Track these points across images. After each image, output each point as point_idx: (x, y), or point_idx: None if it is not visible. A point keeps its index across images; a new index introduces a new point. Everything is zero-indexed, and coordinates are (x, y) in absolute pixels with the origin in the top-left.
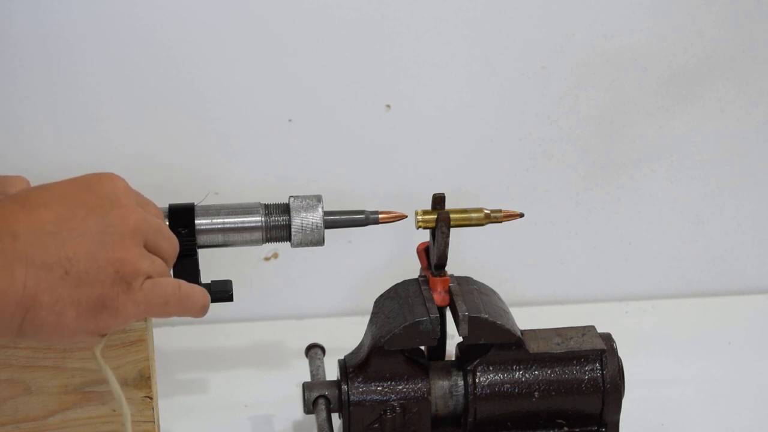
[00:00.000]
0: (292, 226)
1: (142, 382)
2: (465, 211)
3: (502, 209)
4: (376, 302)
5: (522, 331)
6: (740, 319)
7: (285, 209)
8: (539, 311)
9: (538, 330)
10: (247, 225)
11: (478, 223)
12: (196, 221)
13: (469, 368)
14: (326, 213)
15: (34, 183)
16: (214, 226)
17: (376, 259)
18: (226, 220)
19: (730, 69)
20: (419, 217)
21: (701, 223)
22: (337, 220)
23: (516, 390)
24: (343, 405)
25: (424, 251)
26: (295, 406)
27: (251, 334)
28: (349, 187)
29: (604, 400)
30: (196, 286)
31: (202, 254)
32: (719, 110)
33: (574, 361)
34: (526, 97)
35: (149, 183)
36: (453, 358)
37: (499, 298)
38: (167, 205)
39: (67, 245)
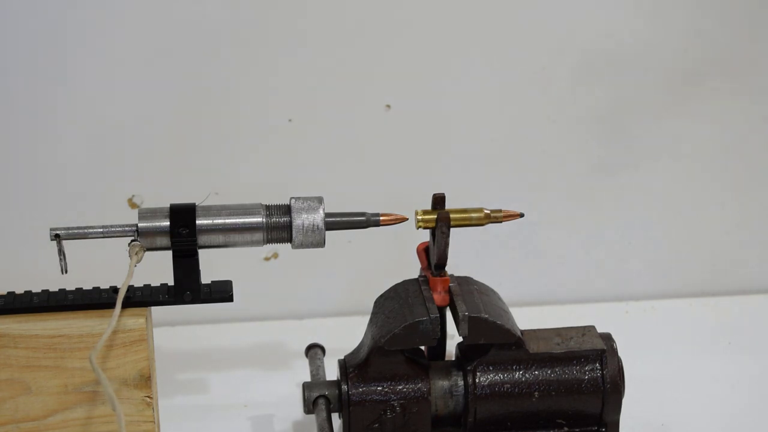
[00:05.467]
0: (293, 227)
1: (142, 382)
2: (465, 211)
3: (502, 209)
4: (376, 302)
5: (522, 331)
6: (740, 319)
7: (286, 210)
8: (539, 311)
9: (538, 330)
10: (248, 225)
11: (478, 223)
12: (197, 221)
13: (469, 368)
14: (327, 214)
15: (34, 185)
16: (215, 227)
17: (376, 259)
18: (227, 220)
19: (729, 69)
20: (419, 217)
21: (701, 223)
22: (338, 222)
23: (516, 390)
24: (343, 405)
25: (424, 251)
26: (295, 406)
27: (251, 334)
28: (348, 186)
29: (604, 400)
30: None
31: (202, 254)
32: (719, 110)
33: (574, 361)
34: (526, 97)
35: (150, 183)
36: (453, 358)
37: (499, 298)
38: (168, 205)
39: None
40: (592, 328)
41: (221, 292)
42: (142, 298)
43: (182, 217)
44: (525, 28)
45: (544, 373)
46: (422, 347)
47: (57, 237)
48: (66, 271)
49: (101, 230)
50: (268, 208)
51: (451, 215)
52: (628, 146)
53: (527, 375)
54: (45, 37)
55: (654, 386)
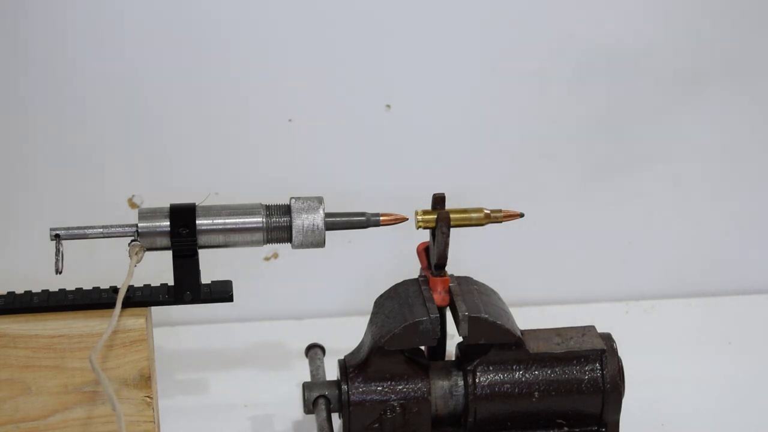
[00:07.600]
0: (293, 227)
1: (142, 382)
2: (465, 211)
3: (502, 209)
4: (376, 302)
5: (522, 331)
6: (740, 319)
7: (286, 210)
8: (539, 311)
9: (538, 330)
10: (248, 226)
11: (478, 223)
12: (197, 222)
13: (469, 368)
14: (327, 215)
15: (34, 185)
16: (215, 227)
17: (376, 259)
18: (227, 220)
19: (729, 69)
20: (419, 217)
21: (701, 223)
22: (338, 222)
23: (516, 390)
24: (343, 405)
25: (424, 251)
26: (295, 406)
27: (251, 334)
28: (349, 186)
29: (604, 400)
30: None
31: (203, 254)
32: (719, 110)
33: (574, 361)
34: (526, 97)
35: (151, 183)
36: (453, 358)
37: (499, 298)
38: (168, 205)
39: None
40: (592, 328)
41: (221, 292)
42: (142, 298)
43: (182, 217)
44: (525, 28)
45: (544, 373)
46: (422, 347)
47: (57, 237)
48: (61, 272)
49: (101, 230)
50: (268, 208)
51: (451, 215)
52: (628, 146)
53: (527, 375)
54: (45, 37)
55: (654, 386)
